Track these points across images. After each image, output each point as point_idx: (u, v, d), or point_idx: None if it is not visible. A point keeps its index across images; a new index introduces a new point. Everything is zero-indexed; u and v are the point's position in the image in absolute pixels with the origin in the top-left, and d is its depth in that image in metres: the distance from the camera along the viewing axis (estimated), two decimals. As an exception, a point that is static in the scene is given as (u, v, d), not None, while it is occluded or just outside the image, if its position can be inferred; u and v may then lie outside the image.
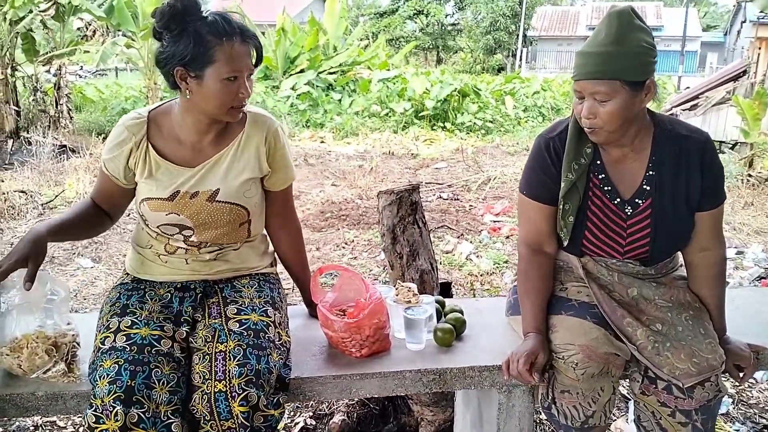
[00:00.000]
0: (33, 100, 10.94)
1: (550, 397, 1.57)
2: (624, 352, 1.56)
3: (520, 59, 31.60)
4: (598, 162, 1.62)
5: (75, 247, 4.76)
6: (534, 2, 33.63)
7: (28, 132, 9.83)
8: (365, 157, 9.40)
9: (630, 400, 2.61)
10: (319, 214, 5.94)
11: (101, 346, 1.42)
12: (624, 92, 1.46)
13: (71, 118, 11.02)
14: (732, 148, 9.26)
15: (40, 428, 2.46)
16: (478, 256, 4.71)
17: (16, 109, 10.48)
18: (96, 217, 1.66)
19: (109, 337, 1.43)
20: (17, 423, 2.48)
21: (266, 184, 1.68)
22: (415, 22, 36.23)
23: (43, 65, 10.67)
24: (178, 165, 1.58)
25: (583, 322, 1.57)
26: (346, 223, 5.67)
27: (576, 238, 1.63)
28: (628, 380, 1.69)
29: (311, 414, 2.59)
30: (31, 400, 1.47)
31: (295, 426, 2.50)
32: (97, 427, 1.30)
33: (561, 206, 1.61)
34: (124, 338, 1.42)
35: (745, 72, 10.22)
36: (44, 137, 8.61)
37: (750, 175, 7.05)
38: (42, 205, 6.01)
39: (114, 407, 1.29)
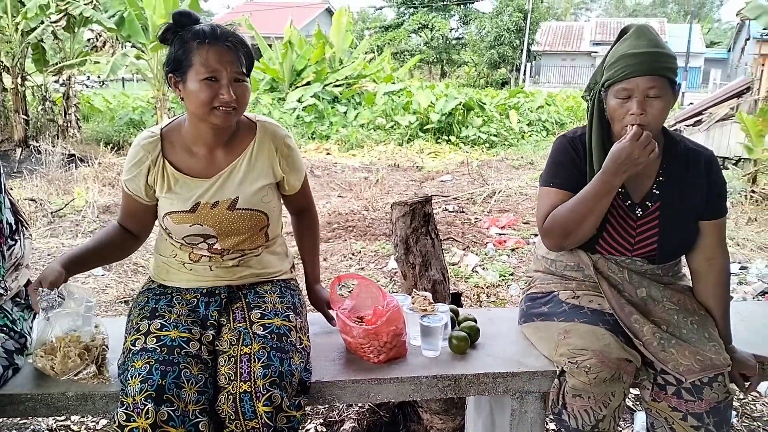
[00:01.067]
0: (42, 109, 11.10)
1: (560, 403, 1.61)
2: (636, 359, 1.61)
3: (524, 74, 31.79)
4: None
5: (86, 255, 4.82)
6: (538, 17, 33.87)
7: (36, 141, 9.95)
8: (371, 169, 9.48)
9: (635, 411, 2.65)
10: (326, 225, 6.00)
11: (132, 347, 1.48)
12: (670, 90, 1.59)
13: (79, 127, 11.17)
14: (736, 164, 9.32)
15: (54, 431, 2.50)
16: (483, 269, 4.76)
17: (25, 118, 10.62)
18: (121, 239, 1.74)
19: (139, 339, 1.49)
20: (32, 427, 2.52)
21: (283, 188, 1.76)
22: (420, 36, 36.50)
23: (54, 75, 10.82)
24: (194, 177, 1.65)
25: (595, 328, 1.64)
26: (353, 234, 5.73)
27: (594, 236, 1.71)
28: (638, 389, 1.73)
29: (322, 421, 2.63)
30: (61, 400, 1.52)
31: (303, 436, 2.54)
32: (127, 425, 1.35)
33: None
34: (155, 340, 1.48)
35: (748, 88, 10.31)
36: (53, 146, 8.70)
37: (753, 191, 7.10)
38: (51, 213, 6.08)
39: (145, 405, 1.35)
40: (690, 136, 10.07)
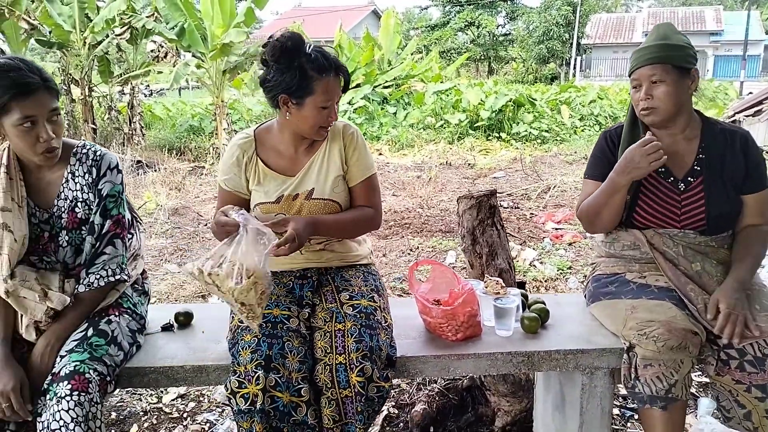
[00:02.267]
0: (108, 118, 11.71)
1: (633, 376, 1.71)
2: (701, 332, 1.71)
3: (574, 68, 31.28)
4: None
5: (162, 255, 5.15)
6: (588, 10, 33.27)
7: (106, 148, 10.49)
8: (422, 168, 9.62)
9: (699, 397, 2.70)
10: (383, 222, 6.17)
11: (240, 324, 1.68)
12: (673, 74, 1.79)
13: (143, 134, 11.72)
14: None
15: (148, 414, 2.75)
16: (541, 263, 4.83)
17: (93, 127, 11.22)
18: None
19: (246, 317, 1.68)
20: (128, 408, 2.78)
21: (347, 179, 1.91)
22: (467, 34, 36.37)
23: (119, 86, 11.40)
24: (281, 174, 1.87)
25: (662, 302, 1.77)
26: (410, 231, 5.89)
27: (630, 214, 1.90)
28: (703, 365, 1.82)
29: (393, 404, 2.78)
30: (180, 372, 1.74)
31: (378, 415, 2.70)
32: (239, 392, 1.55)
33: None
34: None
35: (812, 76, 9.96)
36: (122, 153, 9.20)
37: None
38: (126, 215, 6.45)
39: (256, 372, 1.54)
40: (749, 126, 9.81)
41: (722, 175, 1.85)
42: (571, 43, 31.28)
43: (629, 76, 1.88)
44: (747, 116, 9.92)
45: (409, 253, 5.23)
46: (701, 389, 2.81)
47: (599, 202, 1.87)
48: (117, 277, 1.76)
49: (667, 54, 1.78)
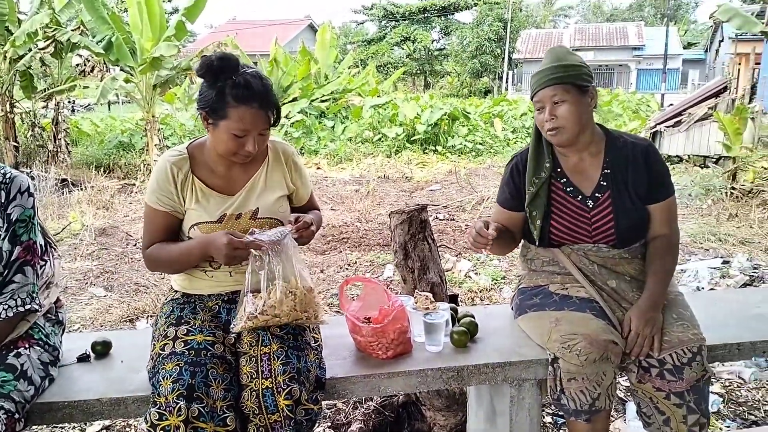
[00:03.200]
0: (31, 135, 11.15)
1: (558, 388, 1.76)
2: (621, 341, 1.77)
3: (506, 81, 32.20)
4: (559, 169, 1.97)
5: (87, 278, 4.92)
6: (518, 26, 34.41)
7: (27, 167, 10.00)
8: (361, 181, 9.64)
9: (627, 402, 2.79)
10: (321, 237, 6.13)
11: (161, 352, 1.61)
12: (574, 93, 1.84)
13: (69, 152, 11.22)
14: (716, 163, 9.57)
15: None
16: (476, 273, 4.91)
17: (15, 144, 10.66)
18: None
19: (168, 344, 1.62)
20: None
21: (294, 200, 1.94)
22: (403, 49, 36.90)
23: (43, 101, 10.90)
24: (220, 193, 1.81)
25: (583, 314, 1.81)
26: (348, 246, 5.87)
27: (544, 235, 1.95)
28: (625, 373, 1.88)
29: (330, 424, 2.74)
30: (96, 406, 1.64)
31: (315, 435, 2.65)
32: (159, 424, 1.47)
33: (528, 213, 1.95)
34: (182, 344, 1.61)
35: (725, 88, 10.59)
36: (45, 172, 8.78)
37: (734, 188, 7.32)
38: (50, 237, 6.14)
39: (177, 403, 1.47)
40: (670, 136, 10.34)
41: (627, 188, 1.90)
42: (503, 58, 32.23)
43: (532, 99, 1.92)
44: (668, 127, 10.45)
45: (347, 268, 5.20)
46: (629, 393, 2.90)
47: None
48: (27, 306, 1.66)
49: (565, 74, 1.83)
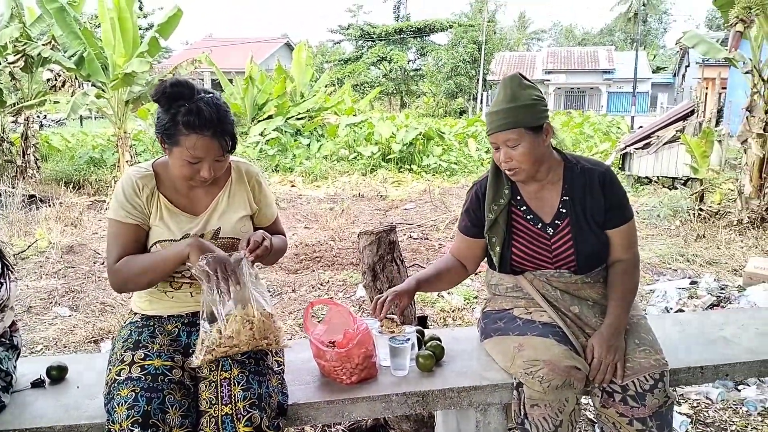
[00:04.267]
0: (0, 150, 10.92)
1: (522, 413, 1.75)
2: (584, 367, 1.77)
3: (481, 102, 32.61)
4: (518, 197, 1.97)
5: (52, 297, 4.80)
6: (492, 48, 34.97)
7: (-6, 183, 9.77)
8: (335, 199, 9.61)
9: (596, 424, 2.79)
10: (294, 256, 6.08)
11: (117, 377, 1.56)
12: (528, 136, 1.82)
13: (38, 167, 11.01)
14: (684, 184, 9.77)
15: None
16: (449, 293, 4.90)
17: (-18, 159, 10.43)
18: None
19: (124, 369, 1.58)
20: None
21: (255, 221, 1.92)
22: (379, 68, 37.18)
23: (12, 116, 10.69)
24: (183, 212, 1.79)
25: (545, 340, 1.80)
26: (321, 265, 5.82)
27: (504, 261, 1.95)
28: (589, 397, 1.88)
29: (298, 448, 2.69)
30: (49, 434, 1.59)
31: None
32: (114, 453, 1.43)
33: (488, 239, 1.96)
34: (139, 369, 1.57)
35: (693, 111, 10.87)
36: (13, 188, 8.58)
37: (701, 210, 7.46)
38: (14, 255, 6.00)
39: (132, 430, 1.43)
40: (639, 158, 10.53)
41: (585, 214, 1.90)
42: (478, 79, 32.67)
43: (488, 136, 1.92)
44: (637, 149, 10.66)
45: (319, 288, 5.16)
46: (597, 417, 2.91)
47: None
48: None
49: (518, 118, 1.81)
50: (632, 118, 23.20)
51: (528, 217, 1.95)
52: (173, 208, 1.78)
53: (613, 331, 1.82)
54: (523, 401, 1.74)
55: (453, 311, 4.49)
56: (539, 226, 1.94)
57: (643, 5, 37.88)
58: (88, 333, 4.05)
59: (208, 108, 1.66)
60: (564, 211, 1.93)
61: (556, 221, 1.93)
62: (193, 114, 1.63)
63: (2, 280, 1.76)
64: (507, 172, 1.90)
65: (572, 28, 56.85)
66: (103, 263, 5.76)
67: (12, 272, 1.84)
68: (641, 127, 14.78)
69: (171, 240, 1.75)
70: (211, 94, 1.71)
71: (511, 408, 1.80)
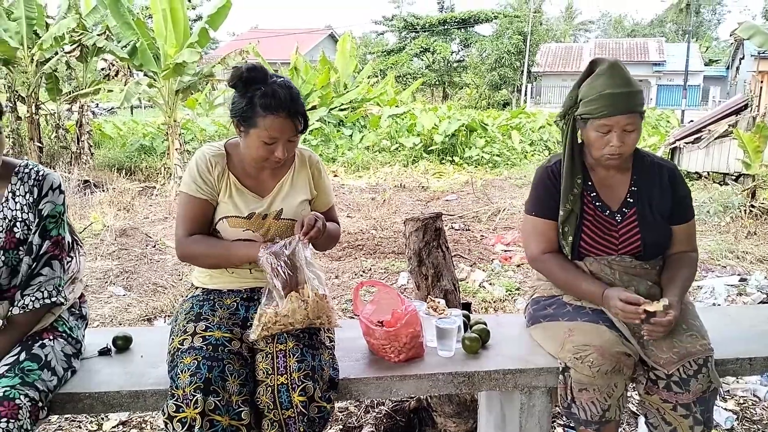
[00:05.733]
0: (55, 137, 11.38)
1: (569, 397, 1.77)
2: (634, 353, 1.79)
3: (525, 94, 32.18)
4: (590, 183, 1.97)
5: (107, 277, 5.01)
6: (538, 39, 34.40)
7: (50, 168, 10.17)
8: (377, 190, 9.69)
9: (638, 416, 2.79)
10: (337, 244, 6.16)
11: (180, 346, 1.66)
12: (640, 121, 1.86)
13: (92, 154, 11.42)
14: (735, 180, 9.49)
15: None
16: (490, 284, 4.92)
17: (39, 145, 10.88)
18: None
19: (187, 339, 1.67)
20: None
21: (313, 207, 1.99)
22: (422, 60, 37.02)
23: (68, 104, 11.12)
24: (250, 191, 1.88)
25: (596, 325, 1.83)
26: (363, 253, 5.91)
27: (574, 247, 1.95)
28: (634, 384, 1.89)
29: (341, 427, 2.77)
30: (116, 398, 1.70)
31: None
32: (176, 416, 1.52)
33: (560, 229, 1.94)
34: (201, 339, 1.66)
35: (746, 105, 10.51)
36: (69, 173, 8.93)
37: (753, 206, 7.25)
38: (71, 236, 6.26)
39: (194, 396, 1.52)
40: (689, 153, 10.27)
41: (651, 206, 1.94)
42: (522, 71, 32.22)
43: (595, 119, 1.83)
44: (687, 143, 10.39)
45: (361, 275, 5.24)
46: (641, 406, 2.90)
47: (568, 290, 1.97)
48: (53, 299, 1.72)
49: (638, 103, 1.84)
50: (682, 111, 22.57)
51: (597, 203, 1.96)
52: (241, 187, 1.87)
53: (675, 303, 1.81)
54: (570, 385, 1.77)
55: (494, 302, 4.51)
56: (607, 213, 1.96)
57: (696, -5, 36.69)
58: (142, 311, 4.22)
59: (282, 90, 1.74)
60: (631, 200, 1.96)
61: (624, 209, 1.95)
62: (269, 96, 1.72)
63: (73, 254, 1.87)
64: (607, 157, 1.87)
65: (621, 18, 55.36)
66: (155, 246, 5.98)
67: (81, 247, 1.96)
68: (692, 121, 14.38)
69: (237, 216, 1.84)
70: (283, 78, 1.80)
71: (556, 392, 1.83)
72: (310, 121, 1.87)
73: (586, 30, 53.57)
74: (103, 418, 2.77)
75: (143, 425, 2.76)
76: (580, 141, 1.97)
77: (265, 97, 1.72)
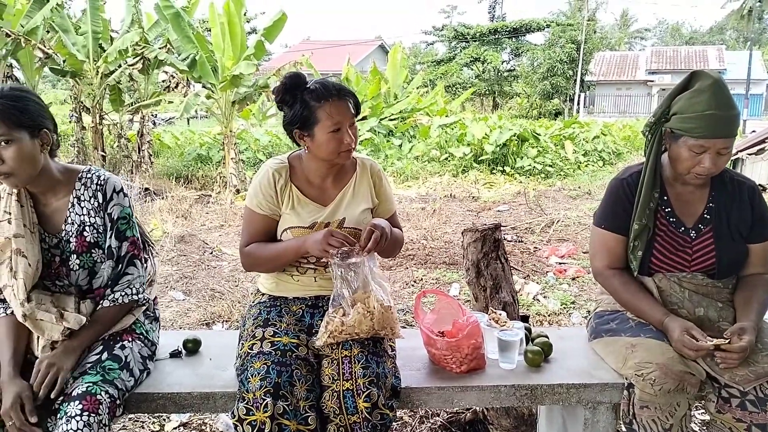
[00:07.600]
0: (117, 146, 11.87)
1: (631, 413, 1.74)
2: (698, 372, 1.74)
3: (578, 104, 31.61)
4: (665, 198, 1.93)
5: (168, 282, 5.18)
6: (592, 48, 33.75)
7: (113, 175, 10.61)
8: (427, 199, 9.68)
9: (706, 433, 2.70)
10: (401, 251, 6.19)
11: (249, 351, 1.72)
12: (733, 143, 1.82)
13: (151, 162, 11.86)
14: (802, 193, 9.08)
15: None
16: (545, 297, 4.84)
17: (103, 154, 11.39)
18: None
19: (256, 344, 1.73)
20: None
21: (375, 215, 2.02)
22: (472, 69, 36.86)
23: (130, 114, 11.59)
24: (313, 201, 1.93)
25: (660, 343, 1.80)
26: (414, 263, 5.92)
27: (644, 263, 1.91)
28: (703, 402, 1.84)
29: (396, 438, 2.78)
30: (187, 399, 1.76)
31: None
32: (246, 419, 1.57)
33: (631, 243, 1.90)
34: (269, 344, 1.72)
35: (814, 115, 10.06)
36: (131, 181, 9.29)
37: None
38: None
39: (264, 400, 1.57)
40: (753, 164, 9.89)
41: (729, 224, 1.90)
42: (575, 80, 31.68)
43: (691, 138, 1.78)
44: (750, 154, 10.00)
45: (413, 284, 5.25)
46: (705, 427, 2.80)
47: (628, 305, 1.94)
48: (140, 296, 1.82)
49: (737, 126, 1.81)
50: (744, 122, 21.71)
51: (671, 219, 1.93)
52: (303, 198, 1.92)
53: (752, 327, 1.78)
54: (632, 402, 1.74)
55: (549, 315, 4.44)
56: (681, 230, 1.93)
57: (759, 1, 35.29)
58: (201, 316, 4.34)
59: (326, 80, 1.85)
60: (708, 217, 1.92)
61: (700, 225, 1.92)
62: (317, 88, 1.81)
63: (147, 256, 1.96)
64: (696, 175, 1.83)
65: (679, 26, 53.96)
66: (212, 253, 6.15)
67: (153, 248, 2.04)
68: (754, 131, 13.82)
69: (300, 227, 1.89)
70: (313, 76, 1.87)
71: (620, 407, 1.80)
72: (360, 132, 1.92)
73: (642, 38, 52.36)
74: (165, 419, 2.86)
75: (203, 427, 2.84)
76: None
77: (315, 91, 1.81)
